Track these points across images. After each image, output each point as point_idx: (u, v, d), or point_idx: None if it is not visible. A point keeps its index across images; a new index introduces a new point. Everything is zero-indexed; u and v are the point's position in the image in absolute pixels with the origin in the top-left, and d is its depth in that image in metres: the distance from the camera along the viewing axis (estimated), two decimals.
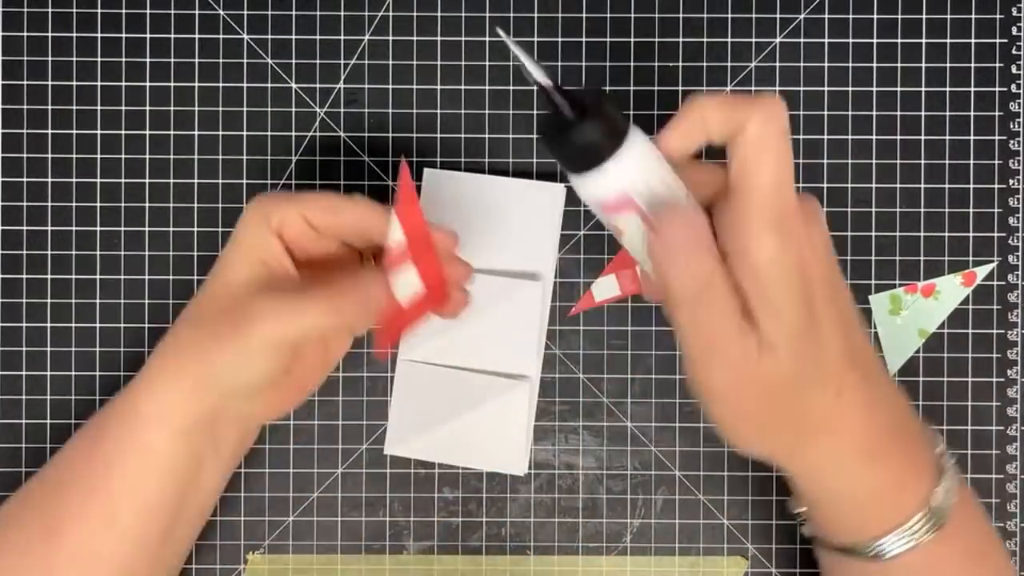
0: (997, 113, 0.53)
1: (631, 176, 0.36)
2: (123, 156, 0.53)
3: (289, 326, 0.39)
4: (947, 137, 0.53)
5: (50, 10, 0.52)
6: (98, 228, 0.52)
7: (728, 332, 0.36)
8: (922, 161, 0.53)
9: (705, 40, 0.53)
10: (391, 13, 0.53)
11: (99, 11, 0.52)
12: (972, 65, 0.53)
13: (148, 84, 0.53)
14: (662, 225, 0.36)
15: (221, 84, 0.53)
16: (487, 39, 0.53)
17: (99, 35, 0.52)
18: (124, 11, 0.52)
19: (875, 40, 0.53)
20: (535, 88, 0.39)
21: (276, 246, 0.42)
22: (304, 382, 0.46)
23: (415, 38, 0.53)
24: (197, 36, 0.52)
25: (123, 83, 0.53)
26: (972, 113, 0.53)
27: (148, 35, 0.52)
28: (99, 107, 0.52)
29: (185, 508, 0.45)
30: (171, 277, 0.52)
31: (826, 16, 0.53)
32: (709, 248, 0.36)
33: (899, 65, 0.53)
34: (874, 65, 0.53)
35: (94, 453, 0.43)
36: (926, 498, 0.39)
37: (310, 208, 0.42)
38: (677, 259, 0.36)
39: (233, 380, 0.41)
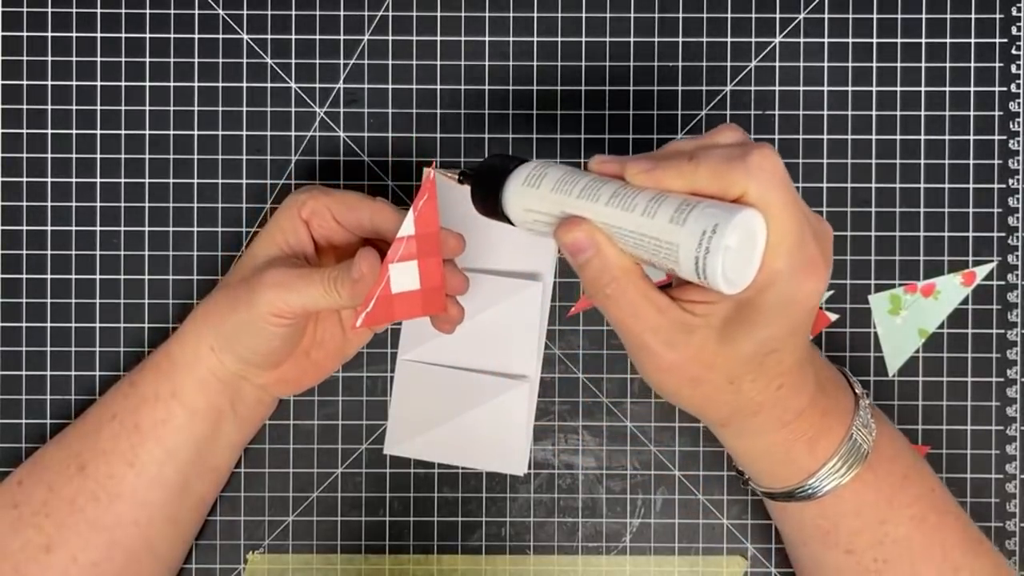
0: (997, 113, 0.53)
1: (520, 211, 0.40)
2: (123, 156, 0.53)
3: (289, 294, 0.43)
4: (947, 137, 0.53)
5: (50, 10, 0.52)
6: (98, 228, 0.52)
7: (645, 322, 0.38)
8: (922, 161, 0.53)
9: (705, 40, 0.53)
10: (391, 13, 0.53)
11: (99, 11, 0.52)
12: (972, 65, 0.53)
13: (148, 84, 0.52)
14: (557, 235, 0.38)
15: (221, 84, 0.52)
16: (487, 39, 0.53)
17: (99, 35, 0.52)
18: (124, 11, 0.52)
19: (875, 40, 0.53)
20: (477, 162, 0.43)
21: (302, 232, 0.46)
22: (322, 364, 0.49)
23: (415, 38, 0.53)
24: (197, 36, 0.52)
25: (123, 83, 0.52)
26: (972, 113, 0.53)
27: (148, 35, 0.52)
28: (99, 107, 0.52)
29: (201, 462, 0.48)
30: (171, 277, 0.52)
31: (826, 16, 0.53)
32: (600, 249, 0.37)
33: (899, 65, 0.53)
34: (874, 65, 0.53)
35: (129, 396, 0.47)
36: (842, 440, 0.42)
37: (335, 203, 0.46)
38: (576, 262, 0.38)
39: (243, 344, 0.45)
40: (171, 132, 0.53)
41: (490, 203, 0.41)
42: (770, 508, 0.48)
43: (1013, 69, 0.53)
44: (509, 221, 0.41)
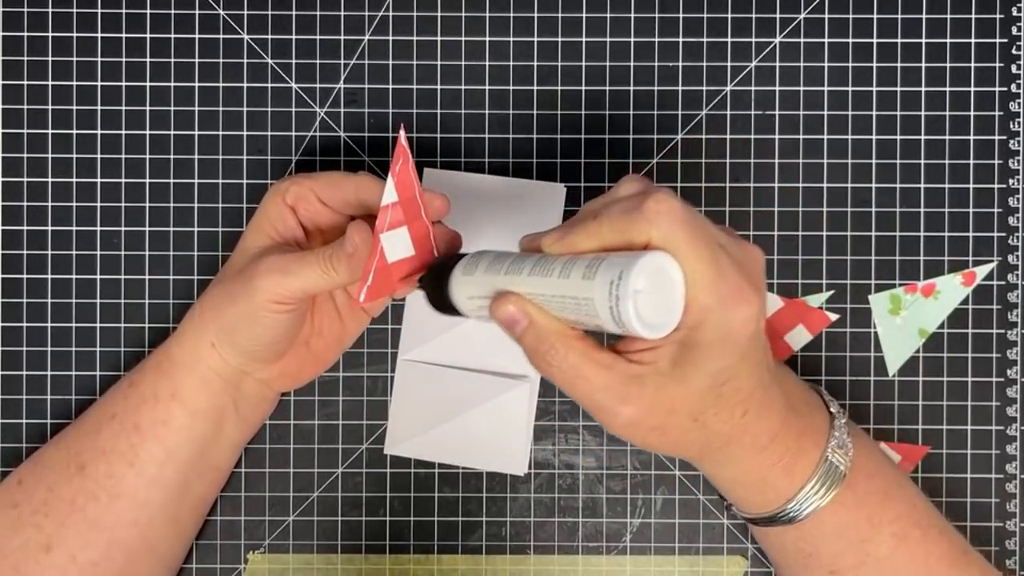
0: (997, 113, 0.53)
1: (464, 299, 0.41)
2: (123, 156, 0.53)
3: (286, 279, 0.42)
4: (947, 137, 0.53)
5: (50, 10, 0.52)
6: (98, 228, 0.52)
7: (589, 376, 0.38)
8: (922, 161, 0.53)
9: (705, 40, 0.53)
10: (391, 13, 0.53)
11: (99, 11, 0.52)
12: (972, 65, 0.53)
13: (148, 84, 0.53)
14: (491, 312, 0.38)
15: (221, 84, 0.53)
16: (487, 39, 0.53)
17: (99, 35, 0.52)
18: (124, 11, 0.52)
19: (875, 40, 0.53)
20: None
21: (290, 219, 0.46)
22: (321, 355, 0.49)
23: (415, 38, 0.53)
24: (197, 36, 0.53)
25: (123, 83, 0.53)
26: (972, 113, 0.53)
27: (148, 35, 0.53)
28: (99, 107, 0.53)
29: (202, 462, 0.48)
30: (171, 277, 0.52)
31: (826, 16, 0.53)
32: (532, 318, 0.38)
33: (899, 65, 0.53)
34: (874, 65, 0.53)
35: (128, 396, 0.47)
36: (818, 462, 0.42)
37: (318, 184, 0.45)
38: (514, 335, 0.38)
39: (245, 336, 0.45)
40: (171, 132, 0.53)
41: (442, 300, 0.42)
42: (754, 532, 0.48)
43: (1013, 69, 0.53)
44: (459, 313, 0.42)
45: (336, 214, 0.46)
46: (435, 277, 0.42)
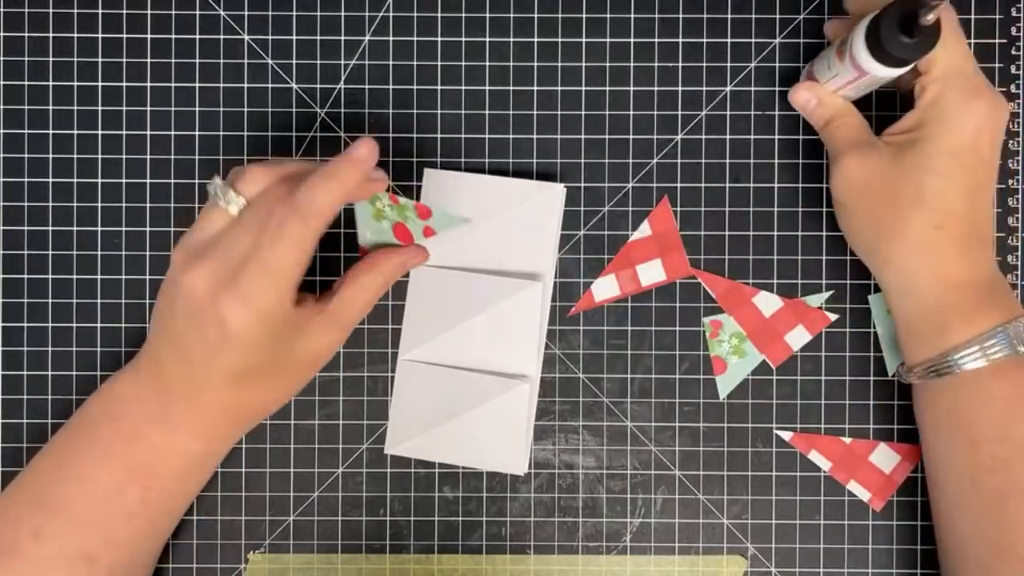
0: None
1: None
2: (124, 157, 0.53)
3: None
4: None
5: (51, 11, 0.53)
6: (99, 228, 0.53)
7: (845, 144, 0.47)
8: None
9: (705, 40, 0.53)
10: (391, 14, 0.53)
11: (100, 12, 0.53)
12: None
13: (149, 85, 0.53)
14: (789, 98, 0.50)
15: (222, 84, 0.53)
16: (487, 39, 0.53)
17: (100, 36, 0.53)
18: (125, 12, 0.53)
19: None
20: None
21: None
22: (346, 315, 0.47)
23: (415, 38, 0.53)
24: (198, 37, 0.53)
25: (124, 84, 0.53)
26: None
27: (149, 36, 0.53)
28: (100, 107, 0.53)
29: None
30: None
31: (826, 16, 0.53)
32: (820, 99, 0.49)
33: None
34: None
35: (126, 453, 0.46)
36: (998, 325, 0.44)
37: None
38: (804, 108, 0.49)
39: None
40: (172, 133, 0.53)
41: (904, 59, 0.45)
42: (914, 392, 0.49)
43: (1013, 69, 0.53)
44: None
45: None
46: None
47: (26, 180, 0.53)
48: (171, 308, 0.43)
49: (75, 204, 0.53)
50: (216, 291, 0.41)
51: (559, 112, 0.53)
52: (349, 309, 0.46)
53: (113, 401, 0.46)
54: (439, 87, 0.53)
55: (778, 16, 0.53)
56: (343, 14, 0.53)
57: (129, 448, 0.45)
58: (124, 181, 0.53)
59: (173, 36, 0.53)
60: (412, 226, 0.49)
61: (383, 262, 0.48)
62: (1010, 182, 0.53)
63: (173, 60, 0.53)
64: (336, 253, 0.53)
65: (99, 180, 0.53)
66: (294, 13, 0.53)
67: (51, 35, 0.53)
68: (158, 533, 0.47)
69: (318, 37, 0.53)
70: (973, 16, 0.53)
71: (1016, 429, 0.44)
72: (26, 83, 0.53)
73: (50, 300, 0.53)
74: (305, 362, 0.46)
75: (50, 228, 0.53)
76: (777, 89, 0.53)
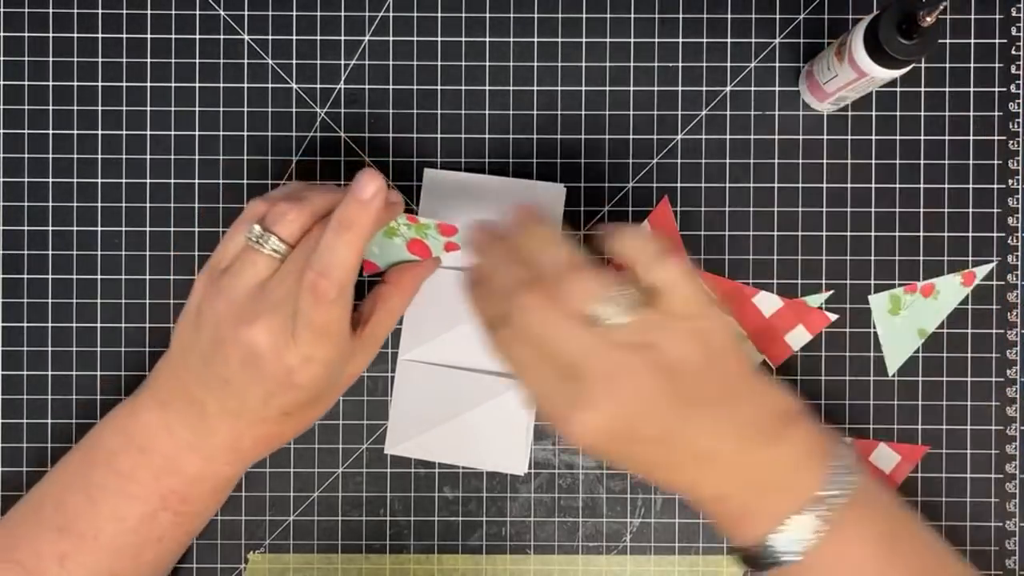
0: (997, 113, 0.53)
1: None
2: (124, 156, 0.53)
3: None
4: (947, 137, 0.53)
5: (51, 11, 0.52)
6: (99, 228, 0.53)
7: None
8: (922, 161, 0.53)
9: (705, 40, 0.53)
10: (391, 14, 0.53)
11: (100, 12, 0.53)
12: (972, 65, 0.53)
13: (149, 85, 0.53)
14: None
15: (222, 85, 0.53)
16: (487, 39, 0.53)
17: (100, 36, 0.53)
18: (125, 12, 0.53)
19: None
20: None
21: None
22: (375, 333, 0.49)
23: (415, 38, 0.53)
24: (198, 37, 0.53)
25: (124, 84, 0.53)
26: (972, 113, 0.53)
27: (149, 36, 0.53)
28: (100, 107, 0.53)
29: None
30: (172, 277, 0.53)
31: (826, 16, 0.53)
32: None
33: None
34: None
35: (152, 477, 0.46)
36: (815, 487, 0.40)
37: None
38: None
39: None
40: (172, 133, 0.53)
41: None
42: None
43: (1013, 69, 0.53)
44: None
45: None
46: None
47: (26, 180, 0.53)
48: (214, 352, 0.43)
49: (75, 204, 0.53)
50: (279, 348, 0.42)
51: (559, 112, 0.53)
52: (382, 333, 0.49)
53: (138, 433, 0.46)
54: (439, 87, 0.53)
55: (778, 16, 0.53)
56: (343, 14, 0.53)
57: (161, 480, 0.45)
58: (124, 181, 0.53)
59: (173, 36, 0.53)
60: (432, 243, 0.49)
61: (409, 283, 0.50)
62: (1010, 182, 0.53)
63: (173, 60, 0.53)
64: None
65: (99, 180, 0.53)
66: (294, 13, 0.53)
67: (51, 35, 0.53)
68: (182, 547, 0.49)
69: (318, 37, 0.53)
70: (973, 16, 0.53)
71: None
72: (26, 83, 0.53)
73: (50, 300, 0.52)
74: (343, 385, 0.48)
75: (50, 228, 0.53)
76: (777, 89, 0.53)
